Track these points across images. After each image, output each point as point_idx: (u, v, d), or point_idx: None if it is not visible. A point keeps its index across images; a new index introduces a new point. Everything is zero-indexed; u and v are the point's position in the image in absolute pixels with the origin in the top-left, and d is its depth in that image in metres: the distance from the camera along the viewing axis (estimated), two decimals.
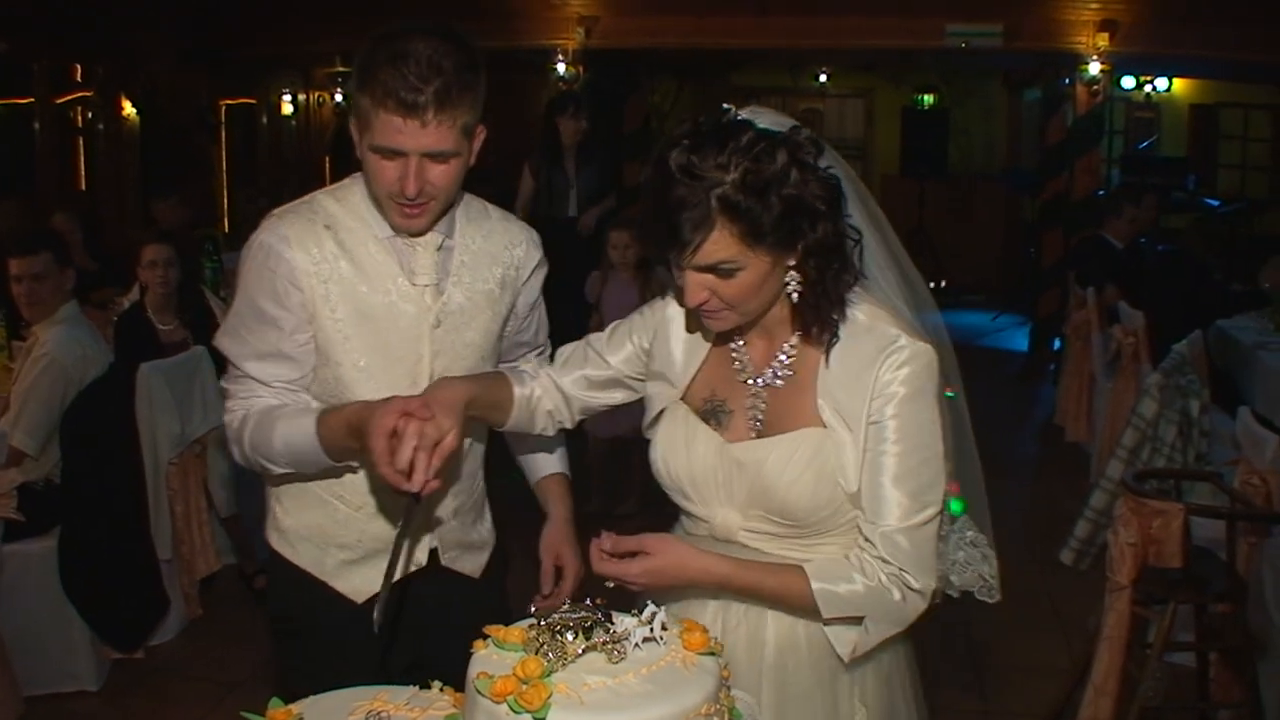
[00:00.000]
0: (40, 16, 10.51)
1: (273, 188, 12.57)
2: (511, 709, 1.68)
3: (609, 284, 6.91)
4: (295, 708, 2.01)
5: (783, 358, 2.25)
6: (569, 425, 2.58)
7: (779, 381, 2.25)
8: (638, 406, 2.47)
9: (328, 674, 2.19)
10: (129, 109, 12.02)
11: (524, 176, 8.49)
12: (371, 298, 2.49)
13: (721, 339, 2.31)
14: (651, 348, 2.41)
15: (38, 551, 4.79)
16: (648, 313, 2.45)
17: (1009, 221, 15.18)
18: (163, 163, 11.82)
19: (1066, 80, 10.87)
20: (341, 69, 14.00)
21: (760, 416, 2.26)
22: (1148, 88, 14.36)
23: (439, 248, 2.54)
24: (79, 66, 12.24)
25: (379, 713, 1.99)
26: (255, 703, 2.03)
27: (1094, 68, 10.53)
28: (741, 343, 2.31)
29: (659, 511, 2.54)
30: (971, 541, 2.45)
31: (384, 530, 2.58)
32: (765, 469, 2.19)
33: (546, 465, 2.84)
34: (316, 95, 15.22)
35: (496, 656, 1.82)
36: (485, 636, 1.88)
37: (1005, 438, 9.24)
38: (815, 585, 2.13)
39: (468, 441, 2.66)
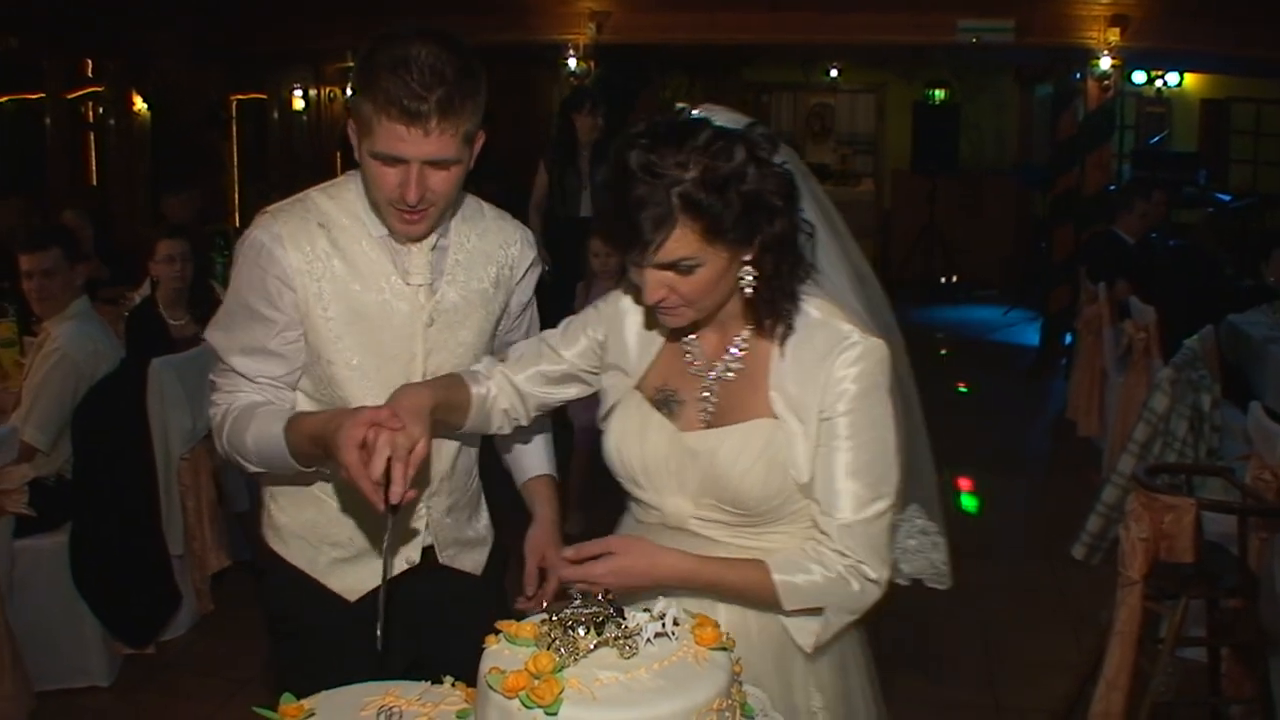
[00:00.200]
0: (51, 12, 10.52)
1: (284, 183, 12.52)
2: (523, 704, 1.68)
3: (592, 291, 6.83)
4: (307, 703, 2.02)
5: (734, 350, 2.30)
6: (524, 423, 2.60)
7: (730, 374, 2.30)
8: None
9: (326, 673, 2.18)
10: (140, 104, 12.02)
11: (539, 173, 8.43)
12: (364, 296, 2.48)
13: (675, 333, 2.34)
14: (606, 340, 2.45)
15: (49, 547, 4.80)
16: (602, 306, 2.50)
17: (1020, 217, 15.15)
18: (174, 158, 11.81)
19: (1077, 75, 10.85)
20: (352, 64, 13.98)
21: (710, 408, 2.30)
22: (1159, 82, 14.31)
23: (433, 247, 2.54)
24: (90, 62, 12.25)
25: (391, 708, 1.99)
26: (267, 698, 2.04)
27: (1105, 62, 10.50)
28: (694, 336, 2.34)
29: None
30: (922, 530, 2.50)
31: (375, 528, 2.57)
32: (718, 458, 2.23)
33: (534, 467, 2.82)
34: (328, 90, 15.21)
35: (508, 652, 1.82)
36: (497, 632, 1.87)
37: (1017, 432, 9.25)
38: (776, 577, 2.17)
39: (457, 444, 2.67)
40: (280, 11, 11.77)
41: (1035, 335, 11.86)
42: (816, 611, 2.22)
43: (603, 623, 1.83)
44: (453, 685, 2.06)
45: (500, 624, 1.89)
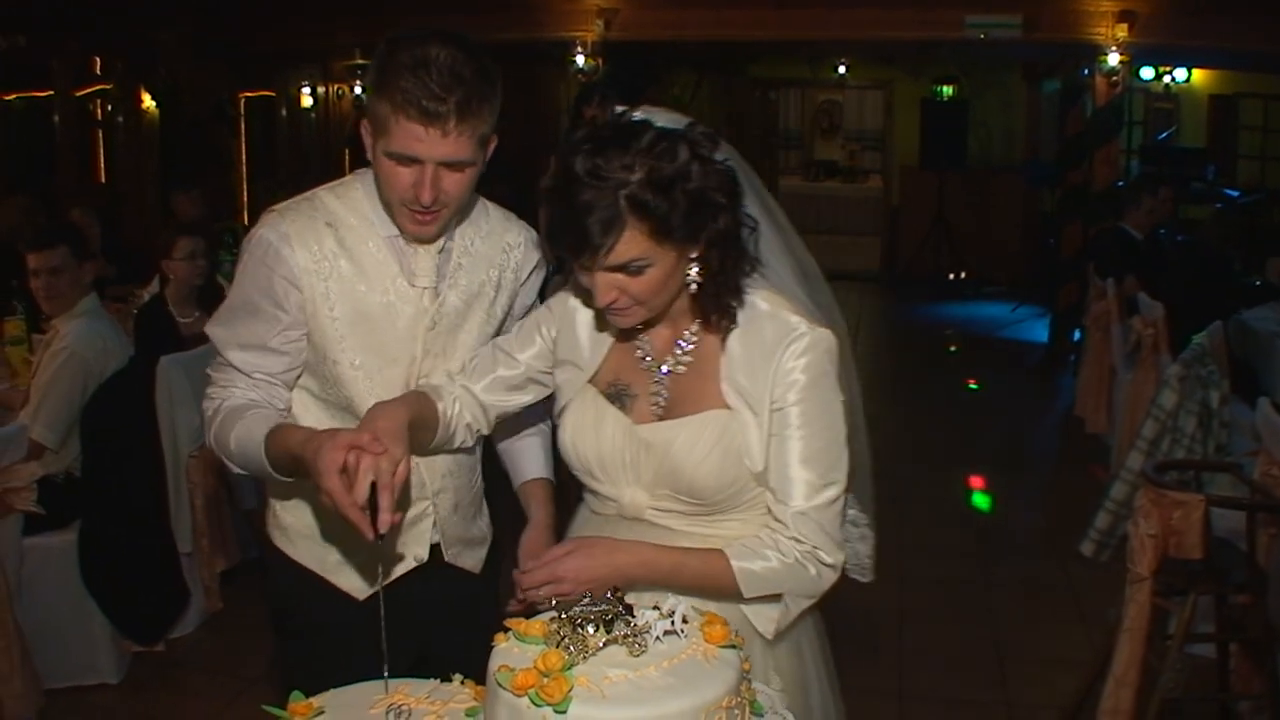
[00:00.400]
0: (59, 10, 10.53)
1: (292, 180, 12.55)
2: (533, 702, 1.68)
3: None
4: (316, 701, 2.02)
5: (684, 344, 2.33)
6: (486, 433, 2.61)
7: (681, 368, 2.34)
8: None
9: (332, 672, 2.17)
10: (148, 102, 12.06)
11: (552, 167, 8.42)
12: (370, 297, 2.48)
13: (626, 330, 2.36)
14: (558, 336, 2.47)
15: (58, 545, 4.80)
16: (554, 304, 2.51)
17: (1028, 213, 15.13)
18: (182, 156, 11.84)
19: (1085, 71, 10.85)
20: (361, 61, 14.00)
21: (663, 401, 2.34)
22: (1167, 78, 14.28)
23: (440, 250, 2.54)
24: (98, 60, 12.28)
25: (400, 706, 1.99)
26: (276, 696, 2.04)
27: (1113, 58, 10.50)
28: (644, 333, 2.37)
29: None
30: (852, 520, 2.53)
31: None
32: (673, 449, 2.27)
33: (530, 470, 2.83)
34: (336, 88, 15.23)
35: (517, 650, 1.81)
36: (506, 629, 1.87)
37: (1025, 429, 9.22)
38: (735, 564, 2.20)
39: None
40: (288, 9, 11.78)
41: (1044, 331, 11.88)
42: (775, 598, 2.25)
43: (612, 620, 1.83)
44: (462, 683, 2.06)
45: (509, 621, 1.89)
